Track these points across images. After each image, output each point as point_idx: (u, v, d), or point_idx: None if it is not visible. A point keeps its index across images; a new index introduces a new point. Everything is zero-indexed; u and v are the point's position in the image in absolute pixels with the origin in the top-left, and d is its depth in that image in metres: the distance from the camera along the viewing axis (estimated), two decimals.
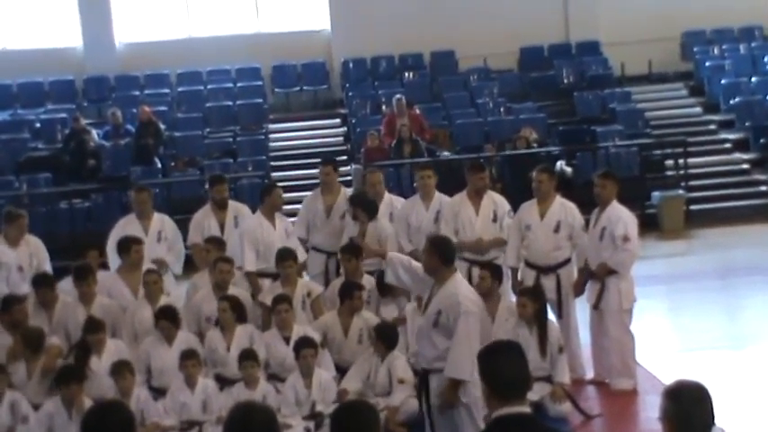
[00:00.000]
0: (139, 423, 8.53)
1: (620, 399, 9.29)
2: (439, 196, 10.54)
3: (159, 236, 10.58)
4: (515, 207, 10.26)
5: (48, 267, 10.30)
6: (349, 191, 11.10)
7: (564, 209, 9.81)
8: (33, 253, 10.23)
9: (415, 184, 16.31)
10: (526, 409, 4.14)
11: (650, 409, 8.83)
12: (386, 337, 8.92)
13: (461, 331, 6.84)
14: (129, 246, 9.85)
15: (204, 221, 10.74)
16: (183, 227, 11.01)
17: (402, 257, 7.67)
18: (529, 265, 9.88)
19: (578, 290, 9.76)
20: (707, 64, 22.18)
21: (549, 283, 9.75)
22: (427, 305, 7.13)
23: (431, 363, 7.09)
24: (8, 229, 10.27)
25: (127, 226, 10.67)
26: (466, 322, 6.84)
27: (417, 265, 7.35)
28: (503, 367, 4.15)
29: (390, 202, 10.81)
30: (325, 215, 10.72)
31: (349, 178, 17.98)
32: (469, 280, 10.00)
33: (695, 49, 22.69)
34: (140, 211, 10.75)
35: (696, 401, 3.96)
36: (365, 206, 10.35)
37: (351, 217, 10.34)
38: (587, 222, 9.79)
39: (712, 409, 3.99)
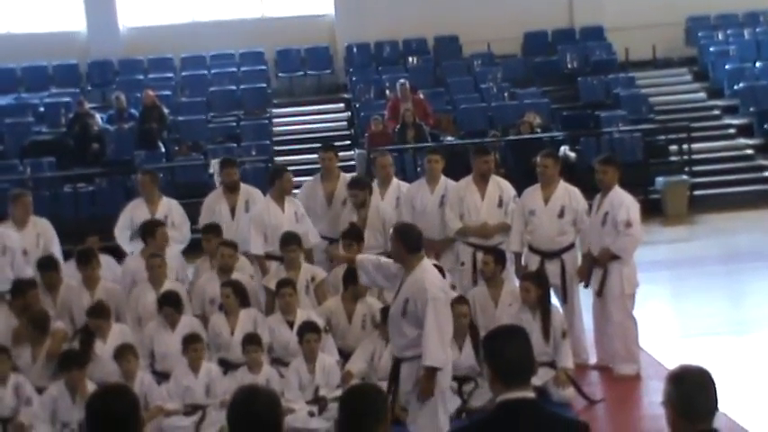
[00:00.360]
0: (143, 407, 8.55)
1: (623, 384, 9.30)
2: (444, 180, 10.54)
3: (166, 220, 10.57)
4: (519, 192, 10.26)
5: (56, 249, 10.26)
6: (350, 176, 11.05)
7: (568, 194, 9.81)
8: (41, 234, 10.21)
9: (418, 169, 16.43)
10: (531, 394, 4.12)
11: (653, 395, 8.87)
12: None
13: (430, 318, 6.74)
14: (154, 229, 9.87)
15: (215, 205, 10.71)
16: (187, 211, 10.99)
17: (371, 257, 7.58)
18: (533, 250, 9.89)
19: (583, 276, 9.75)
20: (711, 49, 22.13)
21: (552, 268, 9.75)
22: (397, 294, 7.05)
23: (401, 351, 7.06)
24: (14, 209, 10.27)
25: (135, 210, 10.67)
26: (434, 309, 6.74)
27: (387, 261, 7.30)
28: (507, 352, 4.10)
29: (398, 186, 10.80)
30: (327, 202, 10.70)
31: (353, 163, 17.99)
32: (474, 265, 10.05)
33: (699, 35, 22.65)
34: (147, 195, 10.74)
35: (699, 386, 3.94)
36: (364, 185, 10.39)
37: (351, 202, 10.33)
38: (590, 207, 9.78)
39: (716, 394, 3.98)
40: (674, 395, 3.95)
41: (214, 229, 10.15)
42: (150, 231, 9.85)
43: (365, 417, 4.07)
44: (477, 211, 10.13)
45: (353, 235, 9.70)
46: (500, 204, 10.14)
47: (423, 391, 6.93)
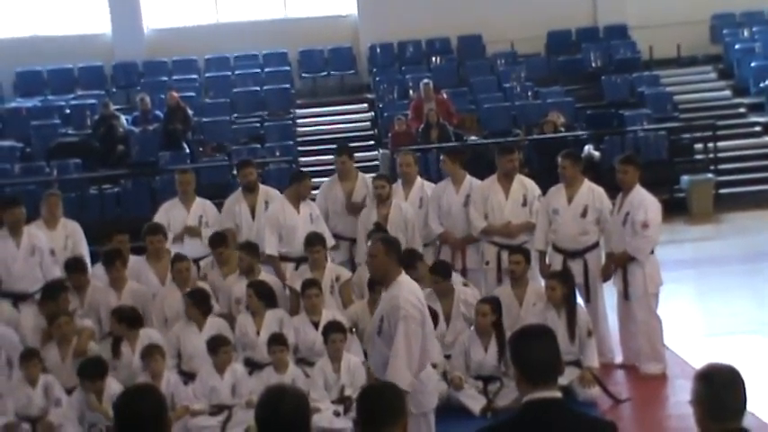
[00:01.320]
0: (169, 407, 8.61)
1: (648, 383, 9.28)
2: (469, 179, 10.56)
3: (200, 221, 10.65)
4: (543, 191, 10.26)
5: (84, 251, 10.34)
6: (368, 176, 11.07)
7: (592, 193, 9.81)
8: (69, 235, 10.28)
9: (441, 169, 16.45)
10: (557, 394, 4.11)
11: (679, 394, 8.84)
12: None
13: (400, 338, 6.28)
14: (144, 236, 9.99)
15: (235, 206, 10.77)
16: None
17: None
18: (556, 249, 9.89)
19: (606, 275, 9.74)
20: (736, 47, 22.00)
21: (576, 268, 9.75)
22: (377, 312, 6.68)
23: (378, 372, 6.51)
24: (44, 209, 10.35)
25: (171, 210, 10.77)
26: (405, 328, 6.27)
27: None
28: (534, 352, 4.09)
29: (422, 186, 10.82)
30: (346, 202, 10.75)
31: (376, 163, 18.01)
32: (498, 264, 10.07)
33: (724, 32, 22.53)
34: (183, 194, 10.81)
35: (728, 385, 3.91)
36: (389, 178, 10.49)
37: (375, 195, 10.35)
38: (614, 207, 9.78)
39: (745, 393, 3.96)
40: (703, 394, 3.93)
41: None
42: (143, 238, 10.00)
43: (381, 416, 4.11)
44: (502, 210, 10.15)
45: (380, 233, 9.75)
46: (524, 203, 10.17)
47: None
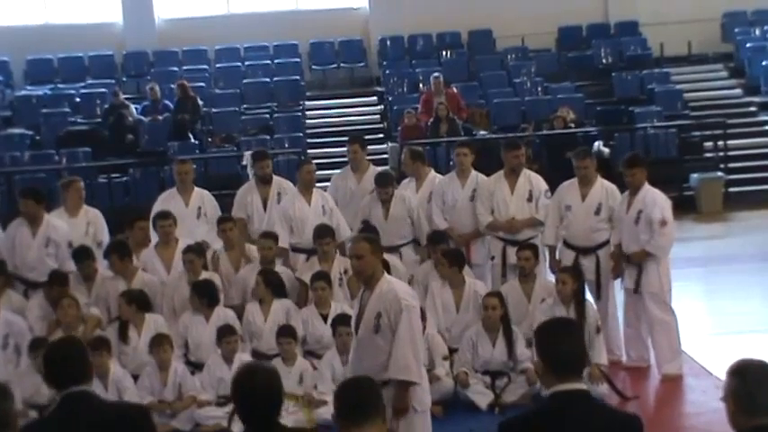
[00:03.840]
0: (176, 397, 8.64)
1: (657, 381, 9.26)
2: (475, 174, 10.53)
3: (199, 212, 10.59)
4: (552, 187, 10.23)
5: (105, 238, 10.30)
6: (380, 169, 11.06)
7: (606, 191, 9.76)
8: (91, 222, 10.22)
9: (451, 163, 16.39)
10: (583, 386, 4.15)
11: (689, 392, 8.85)
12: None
13: (404, 329, 6.23)
14: (155, 222, 9.96)
15: (247, 197, 10.74)
16: (220, 202, 11.02)
17: None
18: (567, 245, 9.86)
19: (617, 272, 9.71)
20: (747, 45, 21.94)
21: (588, 264, 9.72)
22: (360, 317, 6.49)
23: (378, 375, 6.08)
24: (65, 196, 10.32)
25: (168, 200, 10.66)
26: (408, 318, 6.26)
27: None
28: (559, 345, 4.12)
29: (434, 180, 10.80)
30: (356, 192, 10.77)
31: (385, 156, 18.00)
32: (504, 259, 10.05)
33: (736, 30, 22.45)
34: (182, 184, 10.73)
35: (762, 381, 3.90)
36: (391, 181, 10.47)
37: (380, 198, 10.33)
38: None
39: None
40: (736, 389, 3.92)
41: (233, 219, 10.17)
42: (153, 225, 9.97)
43: (358, 409, 4.09)
44: (507, 205, 10.12)
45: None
46: (530, 199, 10.12)
47: (396, 408, 6.26)
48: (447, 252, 9.52)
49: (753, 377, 3.90)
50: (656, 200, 9.42)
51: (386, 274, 6.50)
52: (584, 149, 10.29)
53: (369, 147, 11.79)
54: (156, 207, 10.63)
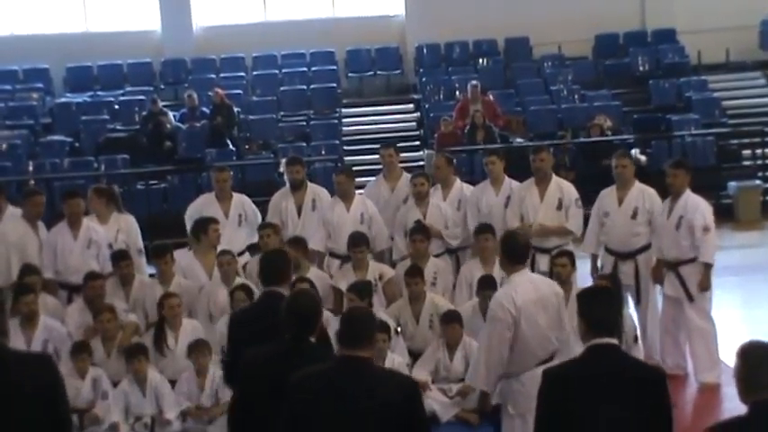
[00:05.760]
0: (214, 402, 8.70)
1: (696, 390, 9.22)
2: (509, 181, 10.52)
3: (240, 219, 10.63)
4: (589, 195, 10.22)
5: (139, 245, 10.39)
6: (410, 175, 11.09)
7: (642, 195, 9.75)
8: (121, 229, 10.28)
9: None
10: (613, 341, 5.00)
11: (727, 401, 8.78)
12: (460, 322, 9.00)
13: (482, 337, 6.64)
14: (206, 226, 9.91)
15: (281, 203, 10.78)
16: (257, 209, 11.08)
17: None
18: (608, 251, 9.85)
19: (657, 277, 9.68)
20: None
21: (627, 269, 9.71)
22: None
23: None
24: (93, 204, 10.37)
25: (205, 206, 10.69)
26: (489, 328, 6.56)
27: None
28: (597, 307, 5.06)
29: (461, 188, 10.79)
30: (390, 199, 10.80)
31: (422, 164, 18.03)
32: (533, 265, 10.04)
33: None
34: (220, 191, 10.75)
35: (762, 361, 4.36)
36: (427, 176, 10.58)
37: (414, 193, 10.36)
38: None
39: None
40: (740, 368, 4.42)
41: (272, 226, 10.19)
42: (203, 229, 9.91)
43: (356, 336, 4.80)
44: (536, 212, 10.09)
45: (425, 231, 9.80)
46: (559, 207, 10.07)
47: (480, 408, 6.80)
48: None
49: (753, 359, 4.39)
50: (698, 205, 9.40)
51: (517, 274, 6.61)
52: (624, 150, 10.27)
53: (405, 154, 11.86)
54: (193, 212, 10.69)
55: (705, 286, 9.39)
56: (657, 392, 4.97)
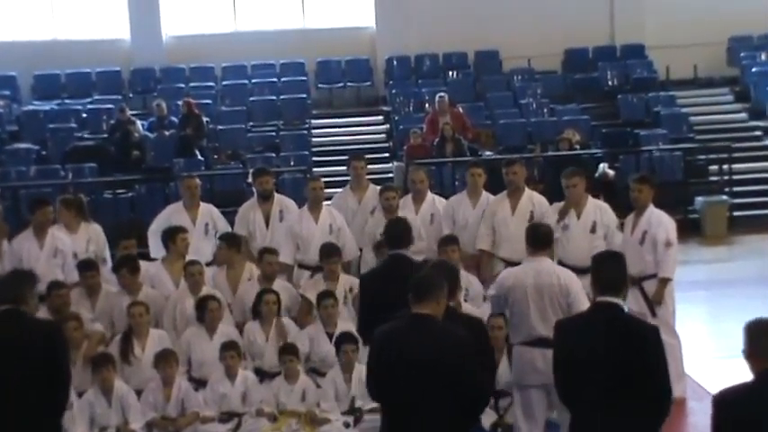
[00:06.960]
0: (179, 413, 8.62)
1: None
2: (486, 195, 10.49)
3: (206, 228, 10.56)
4: None
5: (106, 255, 10.33)
6: (380, 187, 11.05)
7: (598, 209, 9.74)
8: (91, 239, 10.22)
9: (456, 183, 16.41)
10: (617, 300, 5.70)
11: (692, 415, 8.81)
12: None
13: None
14: (174, 235, 9.85)
15: (249, 213, 10.72)
16: (226, 219, 11.01)
17: None
18: (564, 266, 9.81)
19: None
20: (753, 69, 22.00)
21: (587, 284, 9.67)
22: None
23: None
24: (63, 213, 10.28)
25: (173, 215, 10.60)
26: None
27: None
28: (604, 269, 5.82)
29: (433, 201, 10.74)
30: (357, 211, 10.77)
31: (390, 176, 18.03)
32: None
33: (742, 55, 22.53)
34: (189, 199, 10.68)
35: (761, 333, 4.89)
36: (397, 189, 10.63)
37: (384, 207, 10.31)
38: (622, 226, 9.71)
39: None
40: (745, 339, 4.92)
41: (233, 238, 10.14)
42: (171, 238, 9.84)
43: (426, 290, 5.61)
44: (507, 225, 10.02)
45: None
46: (530, 219, 10.01)
47: None
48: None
49: (756, 329, 4.91)
50: (661, 220, 9.43)
51: (537, 259, 7.54)
52: (572, 169, 10.20)
53: (374, 166, 11.83)
54: (162, 221, 10.60)
55: (659, 300, 9.43)
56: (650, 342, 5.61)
